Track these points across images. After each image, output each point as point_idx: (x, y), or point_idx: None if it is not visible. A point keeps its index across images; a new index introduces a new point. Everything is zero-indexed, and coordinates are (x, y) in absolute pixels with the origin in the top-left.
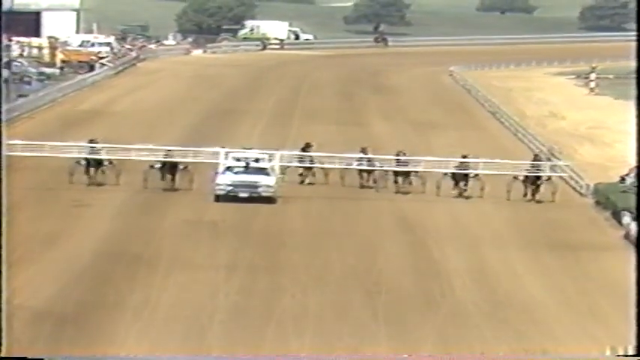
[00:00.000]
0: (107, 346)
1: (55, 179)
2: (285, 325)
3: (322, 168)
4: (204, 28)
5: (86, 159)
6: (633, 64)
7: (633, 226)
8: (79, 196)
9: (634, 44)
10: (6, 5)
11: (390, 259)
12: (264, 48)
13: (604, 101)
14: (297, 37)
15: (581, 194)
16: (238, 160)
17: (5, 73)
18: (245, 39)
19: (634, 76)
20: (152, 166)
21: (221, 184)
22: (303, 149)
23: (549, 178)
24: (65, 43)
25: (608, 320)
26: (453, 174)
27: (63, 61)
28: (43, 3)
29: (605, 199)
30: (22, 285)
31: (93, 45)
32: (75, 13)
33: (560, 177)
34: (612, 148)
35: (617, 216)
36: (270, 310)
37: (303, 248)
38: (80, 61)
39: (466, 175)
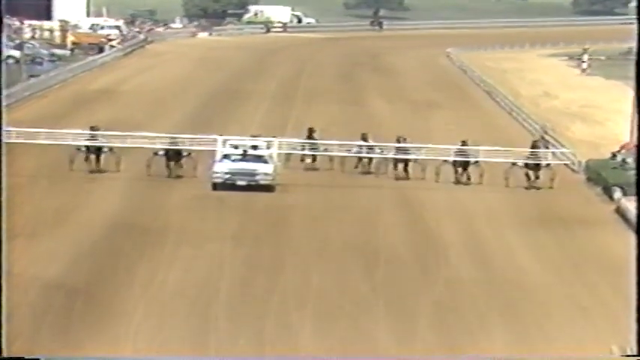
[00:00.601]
0: (117, 316)
1: (54, 167)
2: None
3: (325, 155)
4: (209, 12)
5: (86, 146)
6: (624, 46)
7: (624, 201)
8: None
9: (624, 27)
10: None
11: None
12: (268, 31)
13: (595, 81)
14: (299, 21)
15: (573, 170)
16: (236, 147)
17: (17, 54)
18: (249, 23)
19: (624, 57)
20: (156, 153)
21: (218, 172)
22: (308, 136)
23: (548, 164)
24: (76, 26)
25: (597, 289)
26: (454, 161)
27: (73, 43)
28: None
29: (597, 175)
30: (38, 257)
31: (102, 28)
32: None
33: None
34: (603, 126)
35: (608, 191)
36: (274, 282)
37: (305, 221)
38: (90, 43)
39: (466, 162)
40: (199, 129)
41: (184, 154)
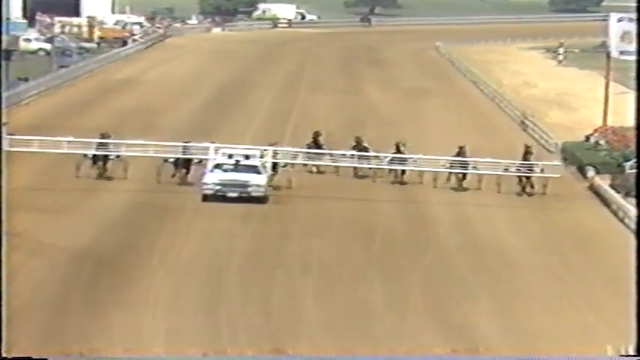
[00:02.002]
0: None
1: (59, 172)
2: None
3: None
4: (222, 9)
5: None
6: (596, 40)
7: (597, 179)
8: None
9: (596, 24)
10: None
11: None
12: (275, 27)
13: (571, 72)
14: (303, 18)
15: (549, 151)
16: (230, 156)
17: (49, 47)
18: (258, 19)
19: (596, 50)
20: (166, 160)
21: (209, 184)
22: (314, 140)
23: (542, 170)
24: (102, 22)
25: (569, 259)
26: (451, 166)
27: (100, 38)
28: None
29: (572, 156)
30: (66, 230)
31: (126, 24)
32: None
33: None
34: (578, 112)
35: (582, 170)
36: (280, 253)
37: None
38: (115, 38)
39: (464, 167)
40: (214, 114)
41: (195, 161)
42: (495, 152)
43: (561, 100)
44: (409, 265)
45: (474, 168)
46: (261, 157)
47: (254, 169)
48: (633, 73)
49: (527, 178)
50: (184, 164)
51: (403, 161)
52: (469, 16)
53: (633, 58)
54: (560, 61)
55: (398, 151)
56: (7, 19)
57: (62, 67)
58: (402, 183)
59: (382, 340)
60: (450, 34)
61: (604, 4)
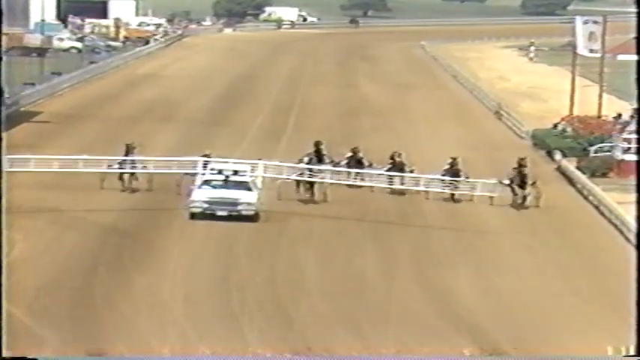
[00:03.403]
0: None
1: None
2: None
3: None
4: (233, 12)
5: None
6: (563, 39)
7: (563, 162)
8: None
9: (563, 25)
10: None
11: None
12: (279, 28)
13: (540, 68)
14: (304, 20)
15: (521, 137)
16: (219, 172)
17: (80, 45)
18: (265, 21)
19: (563, 49)
20: (187, 173)
21: (196, 201)
22: (316, 150)
23: (534, 182)
24: (127, 24)
25: (539, 232)
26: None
27: (125, 37)
28: None
29: (541, 142)
30: (96, 206)
31: (148, 25)
32: (134, 1)
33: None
34: (547, 103)
35: (550, 154)
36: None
37: None
38: (138, 37)
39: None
40: (226, 105)
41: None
42: (473, 139)
43: (532, 93)
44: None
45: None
46: (252, 171)
47: (244, 186)
48: (596, 69)
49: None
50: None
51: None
52: (451, 18)
53: (598, 55)
54: (531, 58)
55: (394, 161)
56: (43, 20)
57: (92, 63)
58: (402, 193)
59: None
60: (433, 35)
61: (570, 7)
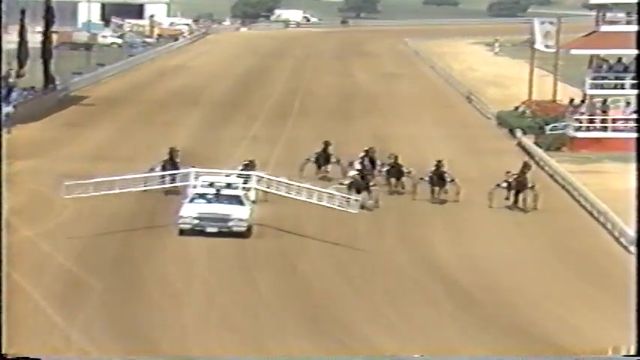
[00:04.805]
0: None
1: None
2: None
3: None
4: (248, 14)
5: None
6: (522, 37)
7: (523, 139)
8: None
9: (523, 25)
10: None
11: None
12: (286, 27)
13: (504, 60)
14: (308, 20)
15: (487, 118)
16: (210, 185)
17: (120, 41)
18: (274, 21)
19: (523, 45)
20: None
21: (185, 217)
22: (324, 149)
23: (533, 186)
24: (160, 23)
25: (501, 193)
26: (431, 178)
27: (158, 35)
28: None
29: (505, 121)
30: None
31: (177, 25)
32: (166, 4)
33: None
34: (509, 90)
35: (512, 132)
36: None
37: None
38: (169, 35)
39: (443, 180)
40: (242, 90)
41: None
42: (448, 119)
43: (497, 81)
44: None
45: (452, 181)
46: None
47: (236, 200)
48: (552, 61)
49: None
50: None
51: (400, 174)
52: (430, 19)
53: (553, 50)
54: (496, 53)
55: (395, 163)
56: (89, 21)
57: (130, 56)
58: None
59: None
60: (415, 33)
61: (529, 10)
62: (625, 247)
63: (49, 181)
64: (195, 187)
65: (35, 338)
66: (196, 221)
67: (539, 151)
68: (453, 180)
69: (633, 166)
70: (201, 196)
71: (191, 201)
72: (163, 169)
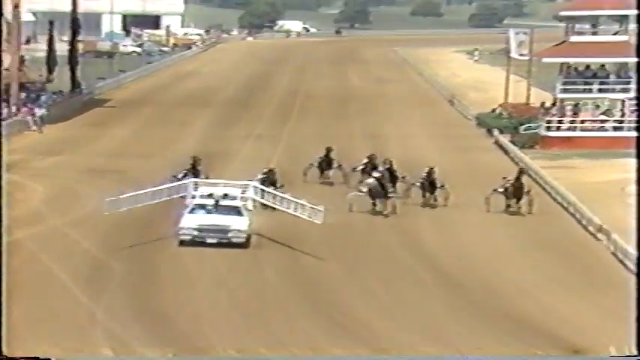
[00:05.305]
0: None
1: None
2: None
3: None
4: (253, 25)
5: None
6: (500, 46)
7: (500, 137)
8: None
9: (500, 35)
10: (136, 8)
11: None
12: (288, 36)
13: (483, 67)
14: (307, 30)
15: (468, 119)
16: (210, 196)
17: (139, 50)
18: (277, 31)
19: (500, 53)
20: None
21: (185, 228)
22: (326, 155)
23: (528, 191)
24: (175, 33)
25: (479, 183)
26: (422, 184)
27: (173, 44)
28: (162, 10)
29: (483, 122)
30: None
31: (191, 34)
32: (180, 16)
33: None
34: (488, 93)
35: (490, 132)
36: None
37: None
38: (183, 44)
39: (434, 187)
40: (248, 93)
41: (278, 185)
42: (433, 119)
43: (477, 86)
44: None
45: (442, 187)
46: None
47: (235, 211)
48: (525, 68)
49: (517, 198)
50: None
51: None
52: (417, 29)
53: (527, 58)
54: (476, 60)
55: (390, 168)
56: (111, 31)
57: (148, 63)
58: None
59: None
60: (404, 42)
61: (505, 22)
62: (592, 234)
63: (76, 174)
64: (194, 197)
65: (63, 317)
66: (196, 232)
67: (514, 149)
68: (443, 186)
69: (600, 161)
70: (201, 207)
71: (191, 212)
72: (185, 176)
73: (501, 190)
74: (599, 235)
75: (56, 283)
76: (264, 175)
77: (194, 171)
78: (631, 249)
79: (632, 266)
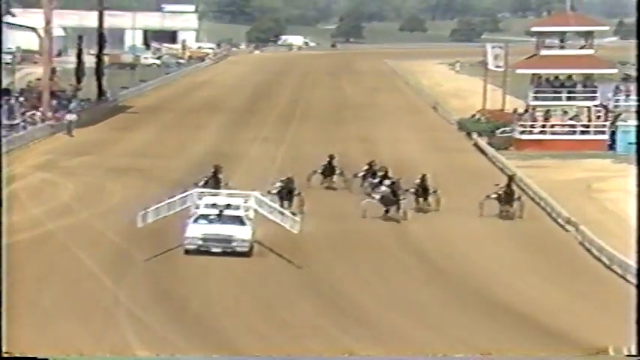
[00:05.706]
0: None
1: None
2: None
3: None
4: (260, 39)
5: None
6: (479, 59)
7: (479, 140)
8: None
9: (479, 49)
10: (156, 24)
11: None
12: (290, 50)
13: (463, 77)
14: (307, 44)
15: (450, 123)
16: (213, 205)
17: (158, 62)
18: (281, 45)
19: (479, 65)
20: (269, 192)
21: (189, 238)
22: (329, 162)
23: (519, 197)
24: (190, 47)
25: (462, 181)
26: (416, 190)
27: (189, 56)
28: (179, 26)
29: (464, 126)
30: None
31: (204, 48)
32: (195, 31)
33: None
34: (468, 101)
35: (469, 134)
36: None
37: None
38: (198, 57)
39: (427, 192)
40: (255, 101)
41: (295, 192)
42: (418, 123)
43: (458, 94)
44: None
45: (435, 192)
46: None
47: (238, 220)
48: (501, 78)
49: (509, 204)
50: (287, 195)
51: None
52: (405, 43)
53: (502, 69)
54: (457, 71)
55: (385, 175)
56: (133, 45)
57: (166, 74)
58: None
59: None
60: (393, 55)
61: (483, 36)
62: (561, 226)
63: (102, 173)
64: (198, 207)
65: (89, 298)
66: (201, 242)
67: (491, 150)
68: (435, 191)
69: (568, 162)
70: (205, 217)
71: (195, 221)
72: (206, 184)
73: (494, 196)
74: (568, 227)
75: (83, 269)
76: (282, 183)
77: (215, 179)
78: (597, 238)
79: (599, 255)
